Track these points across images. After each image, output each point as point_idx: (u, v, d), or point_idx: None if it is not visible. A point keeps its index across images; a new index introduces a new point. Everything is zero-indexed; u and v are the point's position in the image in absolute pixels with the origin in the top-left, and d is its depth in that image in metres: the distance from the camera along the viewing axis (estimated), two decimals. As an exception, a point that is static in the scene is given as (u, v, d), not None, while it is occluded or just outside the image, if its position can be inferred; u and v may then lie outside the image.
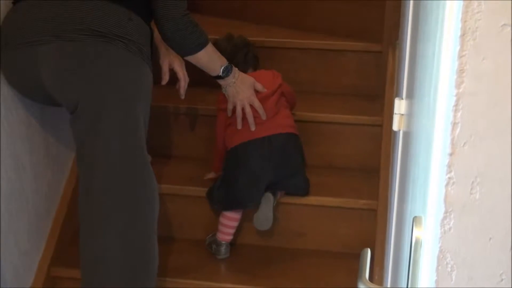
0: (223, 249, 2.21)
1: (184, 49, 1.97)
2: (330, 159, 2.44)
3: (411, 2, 1.49)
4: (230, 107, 2.12)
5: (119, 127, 1.78)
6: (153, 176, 1.85)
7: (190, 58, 1.99)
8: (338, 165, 2.43)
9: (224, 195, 2.16)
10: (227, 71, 2.05)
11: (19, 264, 2.01)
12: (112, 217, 1.80)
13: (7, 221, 1.92)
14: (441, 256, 0.68)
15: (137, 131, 1.81)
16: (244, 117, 2.12)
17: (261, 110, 2.11)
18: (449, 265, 0.68)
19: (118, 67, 1.80)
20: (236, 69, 2.08)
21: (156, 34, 2.01)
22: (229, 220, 2.21)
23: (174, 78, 2.13)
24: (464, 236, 0.67)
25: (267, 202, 2.14)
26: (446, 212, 0.67)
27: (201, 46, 1.96)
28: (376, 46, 2.52)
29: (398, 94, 1.79)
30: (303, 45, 2.61)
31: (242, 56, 2.26)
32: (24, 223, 2.02)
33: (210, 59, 2.01)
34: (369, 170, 2.35)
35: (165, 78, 2.10)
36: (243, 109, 2.11)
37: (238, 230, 2.28)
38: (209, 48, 1.98)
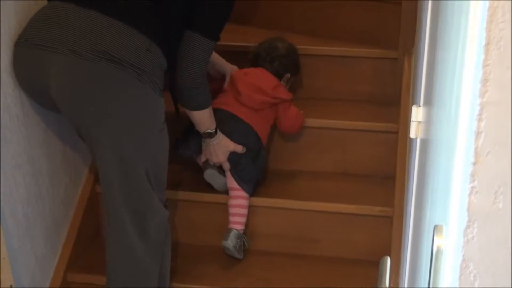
0: (228, 237, 2.20)
1: (184, 102, 2.03)
2: (345, 166, 2.44)
3: (429, 9, 1.48)
4: (202, 159, 2.24)
5: (116, 154, 1.80)
6: (158, 204, 1.90)
7: (184, 109, 2.06)
8: (353, 171, 2.43)
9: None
10: (209, 135, 2.14)
11: (36, 269, 2.02)
12: (124, 226, 1.87)
13: (24, 225, 1.93)
14: (464, 265, 0.68)
15: (138, 160, 1.82)
16: (220, 90, 2.31)
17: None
18: (472, 274, 0.68)
19: (124, 95, 1.78)
20: (221, 134, 2.16)
21: None
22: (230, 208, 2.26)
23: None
24: (487, 246, 0.67)
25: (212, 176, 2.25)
26: (469, 221, 0.66)
27: (199, 108, 2.03)
28: (392, 53, 2.52)
29: (414, 101, 1.79)
30: (319, 51, 2.61)
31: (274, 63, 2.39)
32: (41, 228, 2.03)
33: (201, 118, 2.08)
34: (384, 177, 2.35)
35: None
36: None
37: (252, 235, 2.29)
38: (205, 111, 2.05)
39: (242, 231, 2.22)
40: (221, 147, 2.18)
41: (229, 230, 2.20)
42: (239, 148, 2.21)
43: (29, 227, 1.96)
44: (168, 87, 1.98)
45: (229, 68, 2.39)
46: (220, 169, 2.26)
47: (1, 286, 1.73)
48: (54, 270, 2.13)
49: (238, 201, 2.23)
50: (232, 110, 2.25)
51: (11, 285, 1.77)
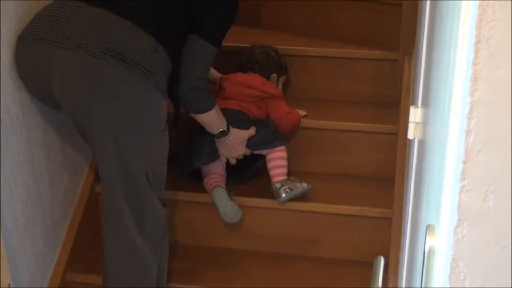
0: (277, 193, 2.21)
1: (188, 107, 2.04)
2: (345, 167, 2.44)
3: (427, 11, 1.48)
4: (223, 159, 2.25)
5: (116, 152, 1.80)
6: (156, 202, 1.91)
7: (192, 115, 2.07)
8: (353, 173, 2.43)
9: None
10: (223, 133, 2.15)
11: (35, 269, 2.02)
12: (124, 223, 1.87)
13: (23, 225, 1.94)
14: (454, 264, 0.68)
15: (138, 159, 1.83)
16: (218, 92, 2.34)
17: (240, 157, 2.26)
18: (462, 274, 0.68)
19: (129, 93, 1.78)
20: (233, 128, 2.17)
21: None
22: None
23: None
24: (477, 245, 0.67)
25: (219, 196, 2.19)
26: (459, 220, 0.66)
27: (205, 110, 2.04)
28: (393, 55, 2.52)
29: (413, 103, 1.79)
30: (320, 53, 2.62)
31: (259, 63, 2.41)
32: (40, 228, 2.03)
33: (211, 120, 2.10)
34: (384, 179, 2.35)
35: None
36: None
37: (252, 236, 2.29)
38: (212, 112, 2.06)
39: (285, 177, 2.24)
40: (238, 140, 2.19)
41: (273, 187, 2.22)
42: (252, 131, 2.24)
43: (29, 227, 1.97)
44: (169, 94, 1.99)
45: (218, 75, 2.42)
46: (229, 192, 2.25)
47: (0, 286, 1.73)
48: (53, 270, 2.13)
49: (276, 154, 2.26)
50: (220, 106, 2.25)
51: (9, 285, 1.77)
